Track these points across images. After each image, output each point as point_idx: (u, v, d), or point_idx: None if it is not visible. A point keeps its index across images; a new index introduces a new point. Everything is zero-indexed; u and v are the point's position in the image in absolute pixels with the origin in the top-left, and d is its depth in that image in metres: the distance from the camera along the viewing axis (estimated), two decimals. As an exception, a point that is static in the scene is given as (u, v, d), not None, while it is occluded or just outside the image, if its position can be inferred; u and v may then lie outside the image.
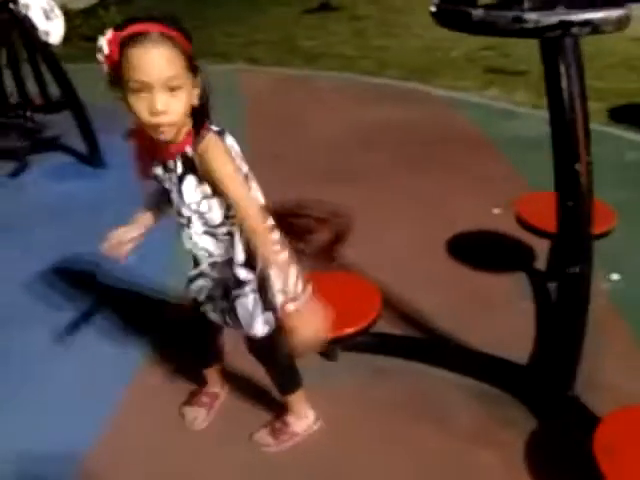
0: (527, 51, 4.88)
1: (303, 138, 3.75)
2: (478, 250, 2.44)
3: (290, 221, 2.67)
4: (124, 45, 1.05)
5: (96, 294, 2.27)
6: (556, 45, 1.17)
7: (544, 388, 1.57)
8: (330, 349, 1.78)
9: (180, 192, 1.23)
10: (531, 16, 1.00)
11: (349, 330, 1.61)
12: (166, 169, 1.25)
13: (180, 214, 1.28)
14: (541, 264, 2.23)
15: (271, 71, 5.63)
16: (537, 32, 1.02)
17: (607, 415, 1.38)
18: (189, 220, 1.27)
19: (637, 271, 2.19)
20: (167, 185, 1.27)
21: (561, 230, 1.34)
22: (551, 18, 1.00)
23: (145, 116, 1.09)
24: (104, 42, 1.06)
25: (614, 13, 0.99)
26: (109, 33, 1.06)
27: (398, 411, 1.68)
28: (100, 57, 1.08)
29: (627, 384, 1.67)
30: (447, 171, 3.15)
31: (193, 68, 1.13)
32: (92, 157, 3.45)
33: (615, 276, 2.16)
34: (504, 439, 1.55)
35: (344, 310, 1.67)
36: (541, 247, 2.22)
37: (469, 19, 1.07)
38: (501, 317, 2.01)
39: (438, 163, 3.26)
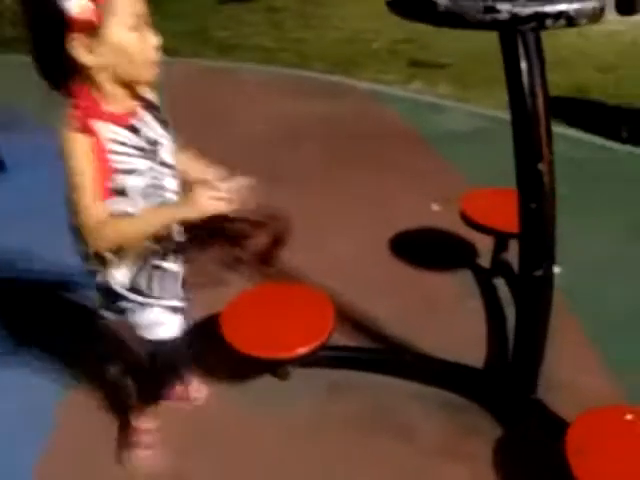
0: (447, 43, 4.97)
1: (227, 134, 3.54)
2: (421, 249, 2.39)
3: (223, 226, 2.49)
4: None
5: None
6: (518, 39, 1.09)
7: (507, 393, 1.53)
8: (281, 369, 1.65)
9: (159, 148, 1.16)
10: (504, 6, 0.91)
11: (303, 350, 1.47)
12: (134, 130, 1.13)
13: (158, 177, 1.17)
14: (485, 261, 2.21)
15: (187, 62, 5.35)
16: (510, 24, 0.93)
17: (577, 417, 1.35)
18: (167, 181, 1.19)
19: (578, 264, 2.22)
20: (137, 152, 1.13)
21: (524, 232, 1.29)
22: (525, 9, 0.91)
23: (138, 46, 1.07)
24: None
25: (588, 4, 0.92)
26: None
27: (357, 426, 1.58)
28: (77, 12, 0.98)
29: (585, 380, 1.66)
30: (380, 167, 3.09)
31: None
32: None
33: (557, 269, 2.17)
34: (470, 450, 1.49)
35: (296, 326, 1.56)
36: (483, 243, 2.20)
37: (434, 9, 0.96)
38: (451, 318, 1.96)
39: (370, 159, 3.19)
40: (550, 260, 1.28)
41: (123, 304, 1.22)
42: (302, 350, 1.47)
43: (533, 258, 1.29)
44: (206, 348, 1.71)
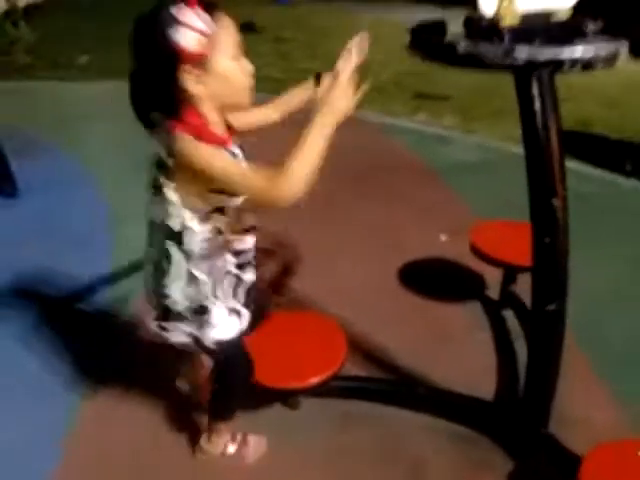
0: (451, 76, 5.07)
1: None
2: (430, 279, 2.41)
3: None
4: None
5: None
6: (533, 79, 1.13)
7: (518, 427, 1.52)
8: (292, 398, 1.65)
9: None
10: (522, 51, 0.95)
11: (315, 380, 1.48)
12: (233, 155, 1.18)
13: None
14: (493, 292, 2.22)
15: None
16: (528, 68, 0.97)
17: (590, 452, 1.35)
18: None
19: (583, 297, 2.22)
20: None
21: (537, 267, 1.31)
22: (543, 54, 0.95)
23: (240, 74, 1.14)
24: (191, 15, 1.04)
25: (604, 50, 0.96)
26: (185, 12, 1.05)
27: (368, 458, 1.58)
28: (190, 36, 1.04)
29: (594, 415, 1.66)
30: (389, 198, 3.13)
31: None
32: (3, 184, 3.10)
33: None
34: (481, 484, 1.49)
35: (308, 356, 1.56)
36: (492, 274, 2.21)
37: (453, 52, 1.00)
38: (461, 350, 1.97)
39: (379, 189, 3.23)
40: (563, 295, 1.30)
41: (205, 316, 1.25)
42: (314, 380, 1.47)
43: (546, 292, 1.30)
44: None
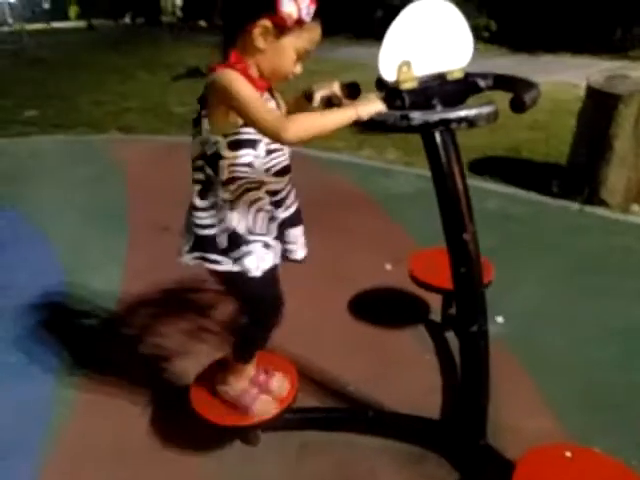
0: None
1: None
2: (377, 308, 2.55)
3: (188, 297, 2.60)
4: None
5: None
6: (436, 135, 1.31)
7: (459, 440, 1.66)
8: (251, 434, 1.74)
9: None
10: (416, 115, 1.12)
11: (269, 415, 1.58)
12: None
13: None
14: (437, 315, 2.38)
15: (147, 139, 5.55)
16: (422, 128, 1.14)
17: (522, 457, 1.49)
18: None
19: (516, 312, 2.42)
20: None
21: (458, 293, 1.47)
22: (433, 116, 1.13)
23: (291, 65, 1.30)
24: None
25: (485, 110, 1.14)
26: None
27: (325, 484, 1.67)
28: (292, 8, 1.20)
29: (531, 423, 1.81)
30: (335, 231, 3.28)
31: None
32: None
33: (500, 319, 2.38)
34: (431, 498, 1.61)
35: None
36: (434, 299, 2.38)
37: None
38: (409, 373, 2.10)
39: (325, 223, 3.37)
40: (482, 316, 1.45)
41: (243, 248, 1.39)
42: (266, 416, 1.58)
43: (468, 315, 1.46)
44: (176, 415, 1.81)
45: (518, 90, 1.25)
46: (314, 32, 1.29)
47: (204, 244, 1.41)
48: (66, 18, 24.81)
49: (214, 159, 1.34)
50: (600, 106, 3.22)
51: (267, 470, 1.71)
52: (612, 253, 2.92)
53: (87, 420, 1.94)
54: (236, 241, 1.39)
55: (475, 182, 4.00)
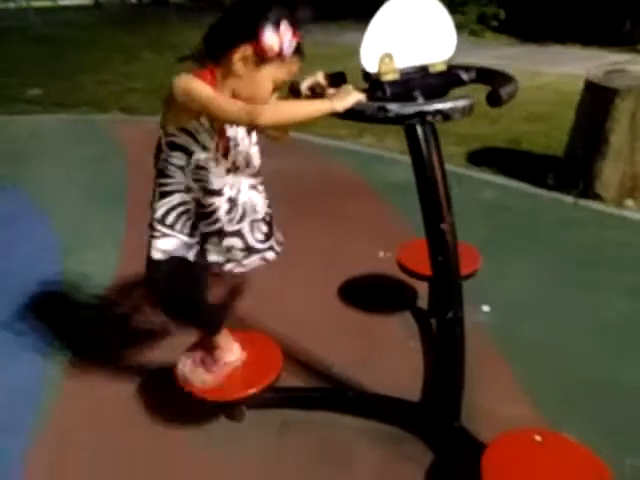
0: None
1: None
2: (367, 294, 2.60)
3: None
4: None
5: None
6: (417, 127, 1.35)
7: (434, 422, 1.72)
8: (236, 411, 1.80)
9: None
10: (392, 107, 1.16)
11: (252, 390, 1.65)
12: None
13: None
14: (423, 303, 2.43)
15: (149, 120, 5.58)
16: (398, 120, 1.18)
17: (491, 441, 1.55)
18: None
19: (503, 302, 2.47)
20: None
21: (435, 281, 1.51)
22: (409, 109, 1.16)
23: (266, 94, 1.33)
24: (289, 34, 1.26)
25: (460, 103, 1.18)
26: (289, 29, 1.26)
27: (303, 459, 1.74)
28: (274, 40, 1.25)
29: (506, 408, 1.87)
30: (332, 218, 3.33)
31: None
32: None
33: (486, 308, 2.43)
34: (404, 476, 1.67)
35: (246, 369, 1.73)
36: (422, 287, 2.43)
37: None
38: (393, 357, 2.16)
39: (323, 210, 3.44)
40: (458, 304, 1.50)
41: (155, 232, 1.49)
42: (251, 391, 1.64)
43: (444, 302, 1.51)
44: (164, 395, 1.88)
45: (496, 84, 1.28)
46: (294, 65, 1.33)
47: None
48: (74, -4, 24.68)
49: (158, 149, 1.43)
50: (597, 100, 3.23)
51: (250, 445, 1.78)
52: (604, 247, 2.95)
53: (76, 399, 2.00)
54: (154, 226, 1.49)
55: (473, 173, 4.04)
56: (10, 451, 1.79)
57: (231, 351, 1.77)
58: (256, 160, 1.53)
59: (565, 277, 2.67)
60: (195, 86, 1.27)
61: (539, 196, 3.55)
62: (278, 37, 1.25)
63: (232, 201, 1.49)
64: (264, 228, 1.61)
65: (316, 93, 1.32)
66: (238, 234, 1.54)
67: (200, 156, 1.38)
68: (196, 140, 1.37)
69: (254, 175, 1.54)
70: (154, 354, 2.19)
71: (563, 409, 1.89)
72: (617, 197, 3.31)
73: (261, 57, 1.27)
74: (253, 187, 1.55)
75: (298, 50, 1.31)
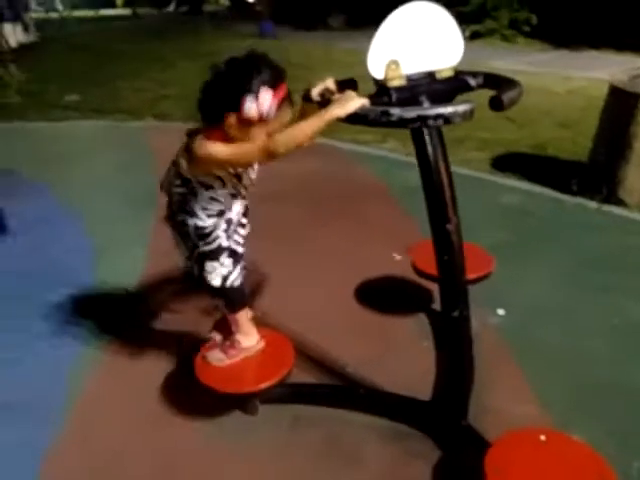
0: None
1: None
2: (383, 295, 2.65)
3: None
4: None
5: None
6: (423, 130, 1.40)
7: (442, 420, 1.75)
8: (249, 404, 1.87)
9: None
10: (395, 111, 1.22)
11: (264, 384, 1.71)
12: None
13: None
14: (438, 304, 2.45)
15: (181, 127, 5.73)
16: (401, 123, 1.23)
17: (496, 440, 1.57)
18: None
19: (518, 306, 2.48)
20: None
21: (441, 280, 1.55)
22: (411, 113, 1.22)
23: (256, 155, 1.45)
24: (269, 98, 1.38)
25: (461, 108, 1.22)
26: (269, 93, 1.38)
27: (313, 453, 1.79)
28: (254, 108, 1.38)
29: (516, 408, 1.89)
30: (352, 221, 3.39)
31: None
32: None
33: (501, 311, 2.44)
34: (412, 473, 1.71)
35: (259, 364, 1.80)
36: (437, 289, 2.45)
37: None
38: (406, 357, 2.20)
39: (344, 214, 3.50)
40: (464, 303, 1.54)
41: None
42: (264, 385, 1.71)
43: (450, 301, 1.55)
44: (184, 388, 1.96)
45: (500, 90, 1.32)
46: (283, 116, 1.44)
47: None
48: (113, 6, 25.46)
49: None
50: (622, 105, 3.20)
51: (262, 437, 1.85)
52: (625, 252, 2.92)
53: (103, 385, 2.12)
54: None
55: (496, 178, 4.04)
56: (41, 428, 1.91)
57: (251, 336, 1.85)
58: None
59: (583, 282, 2.66)
60: (213, 151, 1.45)
61: (563, 201, 3.53)
62: (258, 105, 1.37)
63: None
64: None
65: (325, 99, 1.38)
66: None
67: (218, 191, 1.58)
68: (218, 178, 1.56)
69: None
70: (177, 344, 2.29)
71: (572, 410, 1.90)
72: (642, 203, 3.26)
73: (247, 122, 1.41)
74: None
75: (288, 99, 1.43)
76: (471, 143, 4.73)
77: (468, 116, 1.24)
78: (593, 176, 3.48)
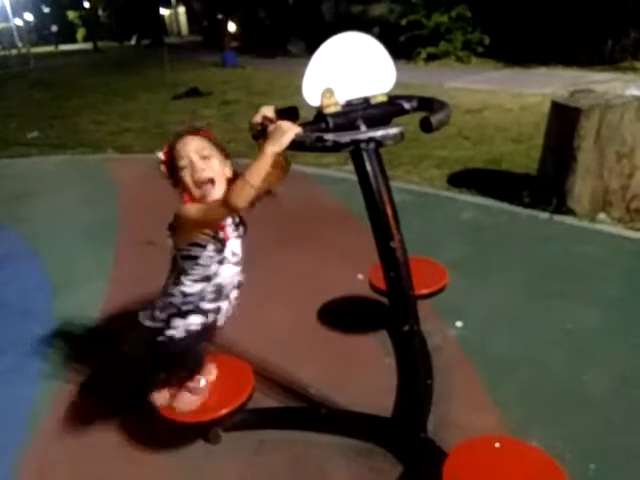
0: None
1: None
2: (346, 315, 2.68)
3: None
4: (172, 148, 1.57)
5: None
6: (362, 152, 1.45)
7: (401, 435, 1.78)
8: (212, 433, 1.87)
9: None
10: (329, 137, 1.27)
11: (224, 411, 1.71)
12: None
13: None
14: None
15: (141, 158, 5.75)
16: (336, 148, 1.29)
17: (453, 449, 1.61)
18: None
19: (476, 317, 2.54)
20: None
21: (389, 296, 1.60)
22: (344, 137, 1.27)
23: (191, 181, 1.54)
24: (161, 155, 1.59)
25: (391, 131, 1.28)
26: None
27: (280, 476, 1.80)
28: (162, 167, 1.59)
29: (477, 419, 1.94)
30: (315, 243, 3.43)
31: (221, 150, 1.61)
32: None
33: (459, 323, 2.50)
34: (376, 489, 1.72)
35: (218, 391, 1.80)
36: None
37: (284, 139, 1.31)
38: (368, 375, 2.22)
39: (307, 235, 3.55)
40: (413, 317, 1.58)
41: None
42: (223, 412, 1.71)
43: (399, 316, 1.59)
44: (146, 423, 1.94)
45: (430, 112, 1.39)
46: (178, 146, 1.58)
47: None
48: (74, 40, 25.42)
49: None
50: (564, 119, 3.35)
51: (227, 465, 1.84)
52: (575, 260, 3.03)
53: (62, 422, 2.08)
54: None
55: (451, 194, 4.15)
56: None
57: (210, 372, 1.85)
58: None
59: (538, 290, 2.74)
60: (186, 210, 1.55)
61: (516, 214, 3.65)
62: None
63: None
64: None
65: (263, 128, 1.43)
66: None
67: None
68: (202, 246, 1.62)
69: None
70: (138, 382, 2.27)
71: (530, 417, 1.95)
72: (590, 212, 3.40)
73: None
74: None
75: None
76: (429, 161, 4.86)
77: (399, 139, 1.30)
78: (543, 188, 3.62)
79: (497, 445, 1.61)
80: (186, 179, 1.55)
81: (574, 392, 2.07)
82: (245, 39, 16.47)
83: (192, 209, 1.54)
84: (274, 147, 1.32)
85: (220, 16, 16.05)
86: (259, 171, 1.37)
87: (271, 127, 1.36)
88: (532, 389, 2.09)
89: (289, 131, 1.31)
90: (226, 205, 1.45)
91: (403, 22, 12.23)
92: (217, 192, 1.55)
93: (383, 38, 1.54)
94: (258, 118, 1.47)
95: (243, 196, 1.41)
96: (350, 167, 4.91)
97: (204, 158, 1.55)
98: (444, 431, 1.84)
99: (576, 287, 2.75)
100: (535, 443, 1.72)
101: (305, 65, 1.47)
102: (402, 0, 12.79)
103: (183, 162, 1.55)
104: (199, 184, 1.54)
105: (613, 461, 1.77)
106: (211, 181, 1.54)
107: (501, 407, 2.00)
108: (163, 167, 1.61)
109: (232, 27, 17.28)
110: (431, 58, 11.94)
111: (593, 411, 1.97)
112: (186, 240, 1.61)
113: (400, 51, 10.20)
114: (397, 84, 1.58)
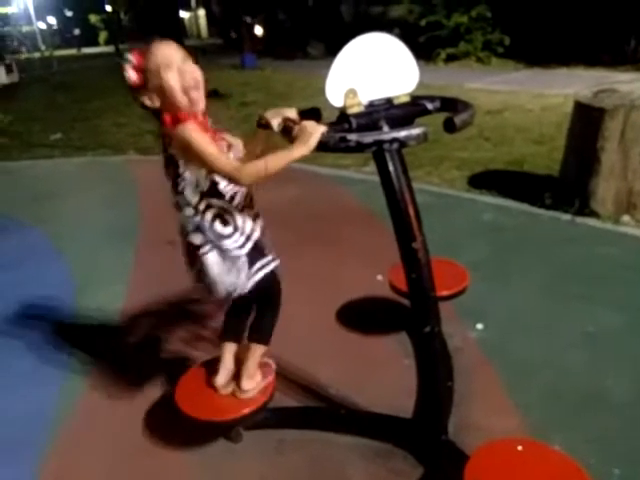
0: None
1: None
2: (365, 315, 2.68)
3: (186, 308, 2.78)
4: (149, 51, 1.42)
5: None
6: (385, 153, 1.46)
7: (422, 436, 1.77)
8: (234, 432, 1.88)
9: None
10: (352, 136, 1.28)
11: (246, 410, 1.73)
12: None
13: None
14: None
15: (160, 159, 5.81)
16: (359, 148, 1.29)
17: (474, 451, 1.60)
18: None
19: (497, 319, 2.52)
20: None
21: (411, 297, 1.60)
22: (367, 138, 1.28)
23: (179, 85, 1.41)
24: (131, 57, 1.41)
25: (414, 132, 1.28)
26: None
27: (299, 476, 1.80)
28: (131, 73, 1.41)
29: (498, 423, 1.92)
30: (336, 243, 3.44)
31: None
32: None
33: (480, 325, 2.48)
34: (396, 491, 1.72)
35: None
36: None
37: (308, 139, 1.32)
38: (387, 376, 2.22)
39: (327, 236, 3.56)
40: (434, 319, 1.58)
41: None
42: (245, 411, 1.72)
43: (421, 318, 1.59)
44: (165, 419, 1.97)
45: (454, 112, 1.39)
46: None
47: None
48: (96, 43, 25.81)
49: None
50: (587, 120, 3.31)
51: (247, 464, 1.85)
52: (598, 263, 2.98)
53: (85, 420, 2.12)
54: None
55: (472, 195, 4.12)
56: (25, 464, 1.92)
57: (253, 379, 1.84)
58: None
59: (559, 293, 2.71)
60: (195, 137, 1.41)
61: (537, 215, 3.61)
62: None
63: None
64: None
65: (287, 127, 1.44)
66: None
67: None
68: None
69: None
70: (160, 375, 2.30)
71: (552, 421, 1.92)
72: (614, 214, 3.35)
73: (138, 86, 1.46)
74: None
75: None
76: (450, 163, 4.84)
77: (422, 139, 1.30)
78: (565, 190, 3.57)
79: (519, 448, 1.60)
80: (171, 83, 1.40)
81: (596, 395, 2.04)
82: (265, 41, 16.56)
83: (203, 138, 1.41)
84: (302, 150, 1.33)
85: (248, 19, 16.10)
86: (280, 164, 1.37)
87: (296, 128, 1.36)
88: (553, 392, 2.07)
89: (315, 132, 1.31)
90: (233, 174, 1.39)
91: (422, 23, 12.16)
92: (202, 101, 1.46)
93: (403, 39, 1.54)
94: (279, 119, 1.48)
95: (253, 176, 1.39)
96: (369, 168, 4.96)
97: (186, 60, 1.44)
98: (465, 433, 1.83)
99: (598, 290, 2.71)
100: (557, 447, 1.71)
101: (325, 67, 1.47)
102: (422, 1, 12.73)
103: (169, 63, 1.39)
104: (190, 89, 1.42)
105: (639, 466, 1.74)
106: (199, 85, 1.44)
107: (522, 410, 1.98)
108: (133, 73, 1.41)
109: (259, 30, 17.38)
110: (451, 59, 11.86)
111: (616, 415, 1.94)
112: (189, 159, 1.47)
113: (420, 52, 10.15)
114: (418, 85, 1.58)
